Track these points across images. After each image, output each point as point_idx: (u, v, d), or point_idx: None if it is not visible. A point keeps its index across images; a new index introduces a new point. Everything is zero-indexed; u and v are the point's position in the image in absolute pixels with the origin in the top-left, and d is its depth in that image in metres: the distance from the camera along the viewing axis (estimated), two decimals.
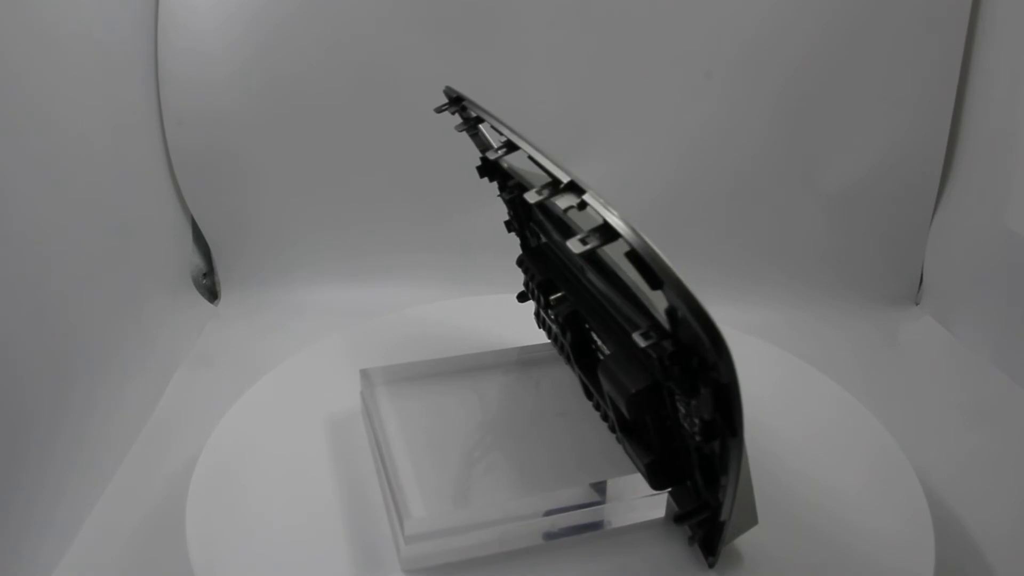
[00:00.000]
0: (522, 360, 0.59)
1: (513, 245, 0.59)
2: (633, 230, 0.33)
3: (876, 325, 0.90)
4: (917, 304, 0.93)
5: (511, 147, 0.45)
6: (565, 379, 0.56)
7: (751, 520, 0.42)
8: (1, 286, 0.58)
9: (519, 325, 0.60)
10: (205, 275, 0.99)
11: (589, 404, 0.53)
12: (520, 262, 0.56)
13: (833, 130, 0.89)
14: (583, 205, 0.36)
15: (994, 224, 0.79)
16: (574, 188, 0.37)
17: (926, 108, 0.87)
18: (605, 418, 0.51)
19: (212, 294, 0.98)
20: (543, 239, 0.55)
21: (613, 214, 0.33)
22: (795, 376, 0.62)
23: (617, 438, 0.47)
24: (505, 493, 0.48)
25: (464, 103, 0.51)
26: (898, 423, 0.58)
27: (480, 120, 0.50)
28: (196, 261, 0.97)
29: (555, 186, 0.37)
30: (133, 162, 0.85)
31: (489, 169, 0.55)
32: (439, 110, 0.54)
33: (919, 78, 0.86)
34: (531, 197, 0.38)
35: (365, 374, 0.56)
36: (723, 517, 0.39)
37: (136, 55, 0.86)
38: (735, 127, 0.91)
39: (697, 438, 0.37)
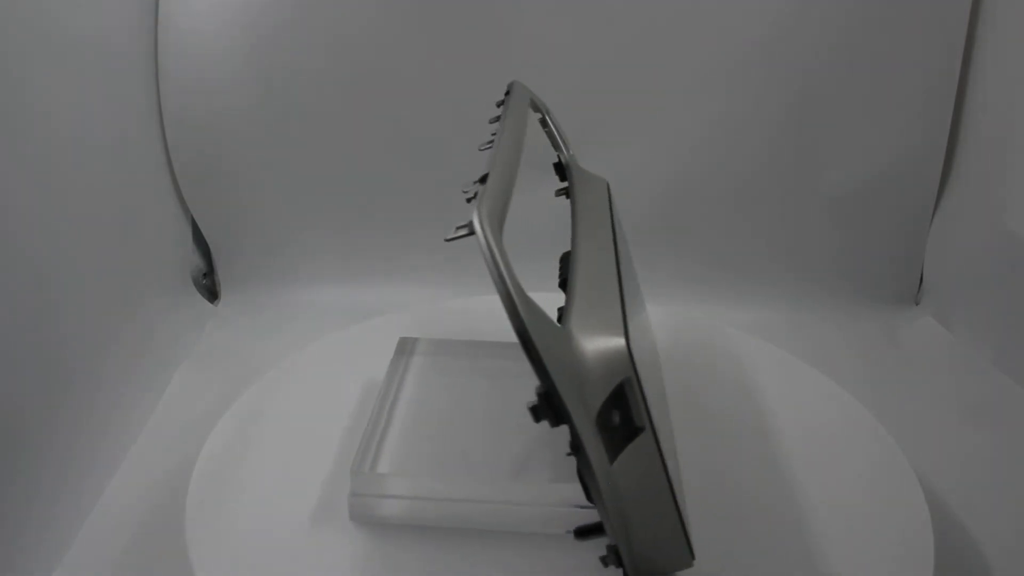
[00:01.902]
0: None
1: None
2: (483, 230, 0.32)
3: (876, 325, 0.90)
4: (917, 304, 0.93)
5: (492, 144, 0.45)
6: None
7: (681, 559, 0.40)
8: (1, 286, 0.58)
9: None
10: (205, 275, 0.99)
11: None
12: (561, 260, 0.56)
13: (833, 130, 0.89)
14: (474, 196, 0.36)
15: (994, 224, 0.79)
16: (483, 180, 0.37)
17: (926, 108, 0.87)
18: None
19: (212, 294, 0.98)
20: None
21: (477, 214, 0.33)
22: (795, 376, 0.62)
23: None
24: (461, 472, 0.48)
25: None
26: (898, 423, 0.58)
27: (497, 118, 0.50)
28: (196, 261, 0.97)
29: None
30: (133, 162, 0.85)
31: (560, 169, 0.55)
32: (499, 104, 0.54)
33: (919, 78, 0.86)
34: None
35: (402, 342, 0.58)
36: (609, 540, 0.38)
37: (136, 56, 0.86)
38: (735, 128, 0.91)
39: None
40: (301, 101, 0.92)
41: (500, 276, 0.32)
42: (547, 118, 0.56)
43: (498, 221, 0.34)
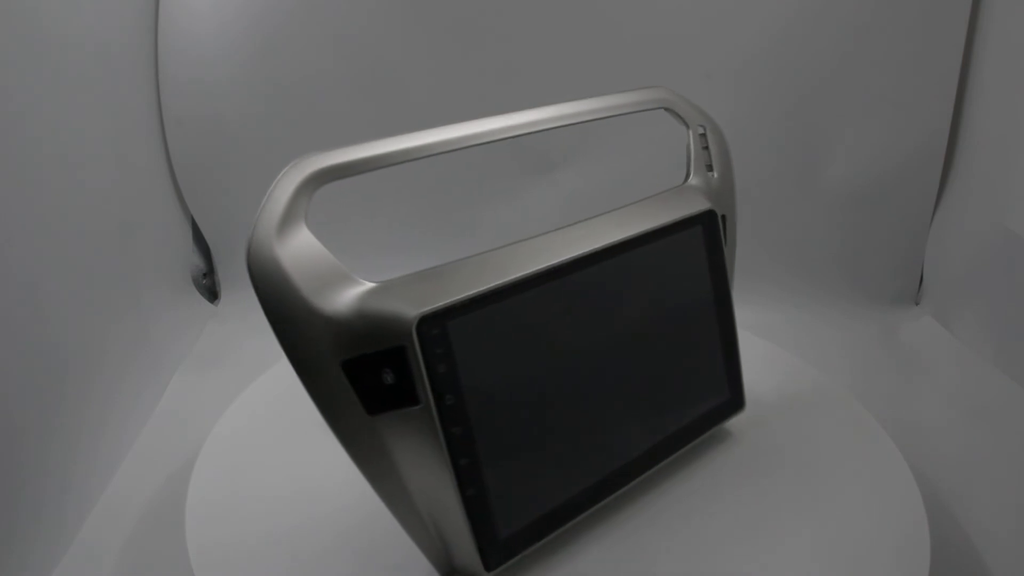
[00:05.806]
0: None
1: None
2: (283, 174, 0.36)
3: (876, 325, 0.90)
4: (917, 304, 0.93)
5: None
6: None
7: (470, 560, 0.39)
8: (1, 286, 0.58)
9: None
10: (205, 275, 0.99)
11: None
12: None
13: (833, 130, 0.89)
14: None
15: (994, 224, 0.79)
16: None
17: (926, 108, 0.87)
18: None
19: (212, 294, 0.98)
20: None
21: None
22: (795, 376, 0.62)
23: None
24: None
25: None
26: (897, 423, 0.58)
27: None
28: (196, 261, 0.97)
29: None
30: (133, 162, 0.85)
31: None
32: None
33: (919, 78, 0.86)
34: None
35: None
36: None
37: (136, 56, 0.86)
38: (736, 127, 0.91)
39: None
40: (301, 102, 0.92)
41: (262, 205, 0.35)
42: (691, 133, 0.53)
43: (307, 172, 0.38)
